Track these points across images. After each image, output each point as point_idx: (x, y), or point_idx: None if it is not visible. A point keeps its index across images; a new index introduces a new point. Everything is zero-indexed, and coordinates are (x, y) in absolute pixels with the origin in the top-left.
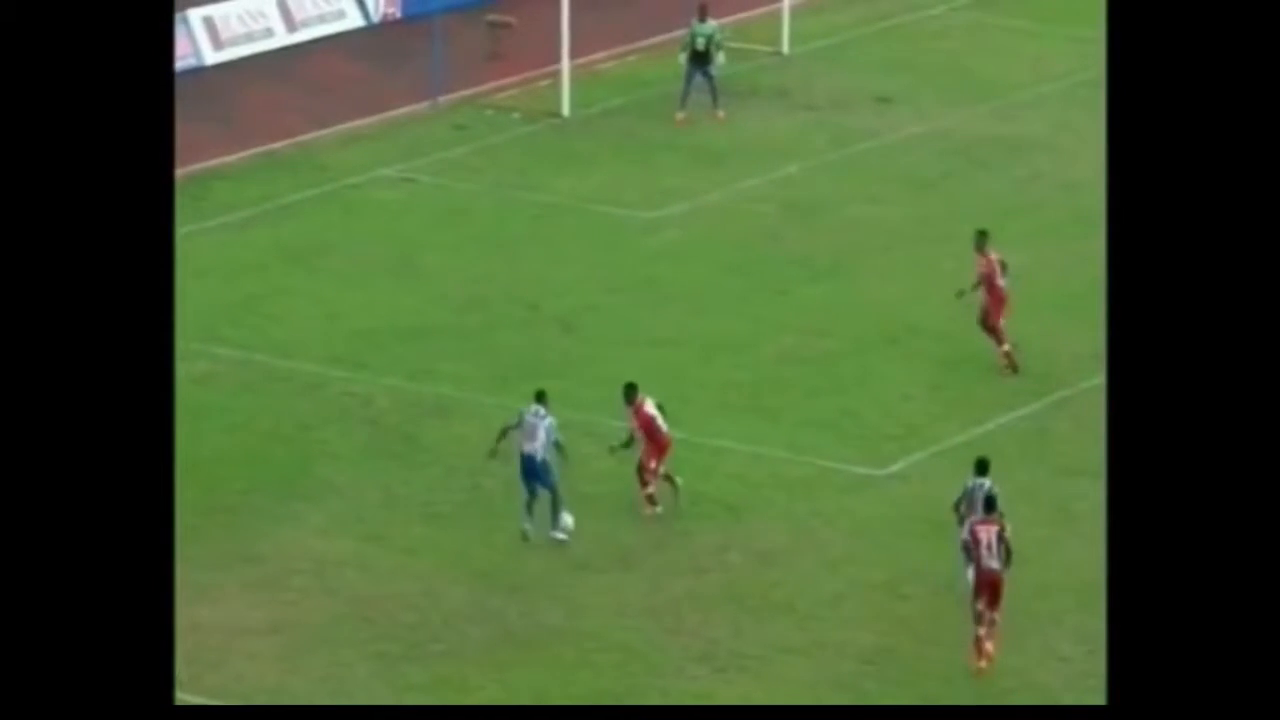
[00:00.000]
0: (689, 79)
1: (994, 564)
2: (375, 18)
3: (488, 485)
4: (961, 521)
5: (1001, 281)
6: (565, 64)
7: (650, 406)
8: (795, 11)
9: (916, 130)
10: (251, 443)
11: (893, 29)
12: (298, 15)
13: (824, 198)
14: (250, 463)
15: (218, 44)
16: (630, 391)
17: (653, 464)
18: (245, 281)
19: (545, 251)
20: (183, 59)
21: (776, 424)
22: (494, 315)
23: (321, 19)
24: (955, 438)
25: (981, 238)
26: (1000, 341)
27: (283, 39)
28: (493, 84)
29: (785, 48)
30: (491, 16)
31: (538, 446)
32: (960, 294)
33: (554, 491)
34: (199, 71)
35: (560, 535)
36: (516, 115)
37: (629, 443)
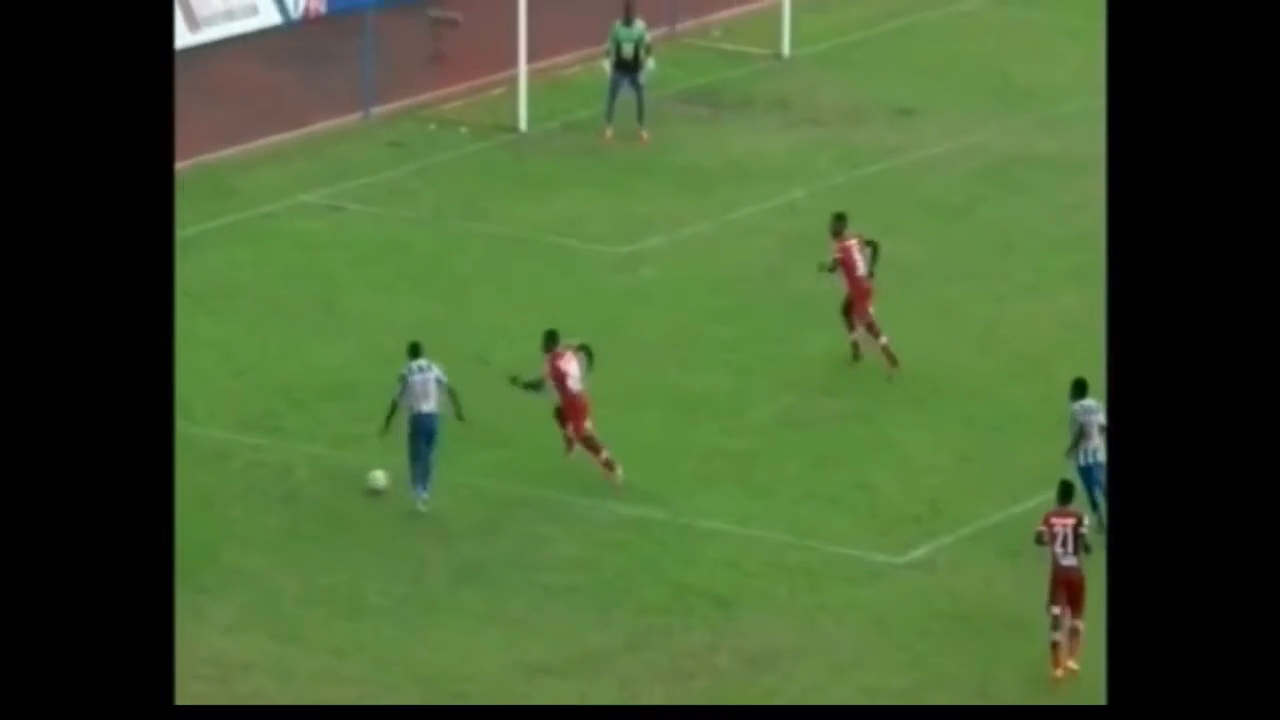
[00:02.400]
0: (614, 90)
1: (1070, 561)
2: (295, 14)
3: (430, 574)
4: (1079, 451)
5: (862, 271)
6: (522, 68)
7: (569, 363)
8: (797, 6)
9: (942, 148)
10: None
11: (913, 28)
12: (200, 11)
13: None
14: None
15: None
16: (549, 340)
17: (571, 427)
18: None
19: (497, 293)
20: None
21: (774, 500)
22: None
23: (229, 15)
24: (989, 518)
25: (839, 222)
26: (851, 329)
27: (183, 39)
28: (436, 92)
29: (785, 50)
30: (434, 12)
31: (435, 405)
32: (821, 267)
33: (430, 461)
34: None
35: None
36: (464, 130)
37: (537, 385)
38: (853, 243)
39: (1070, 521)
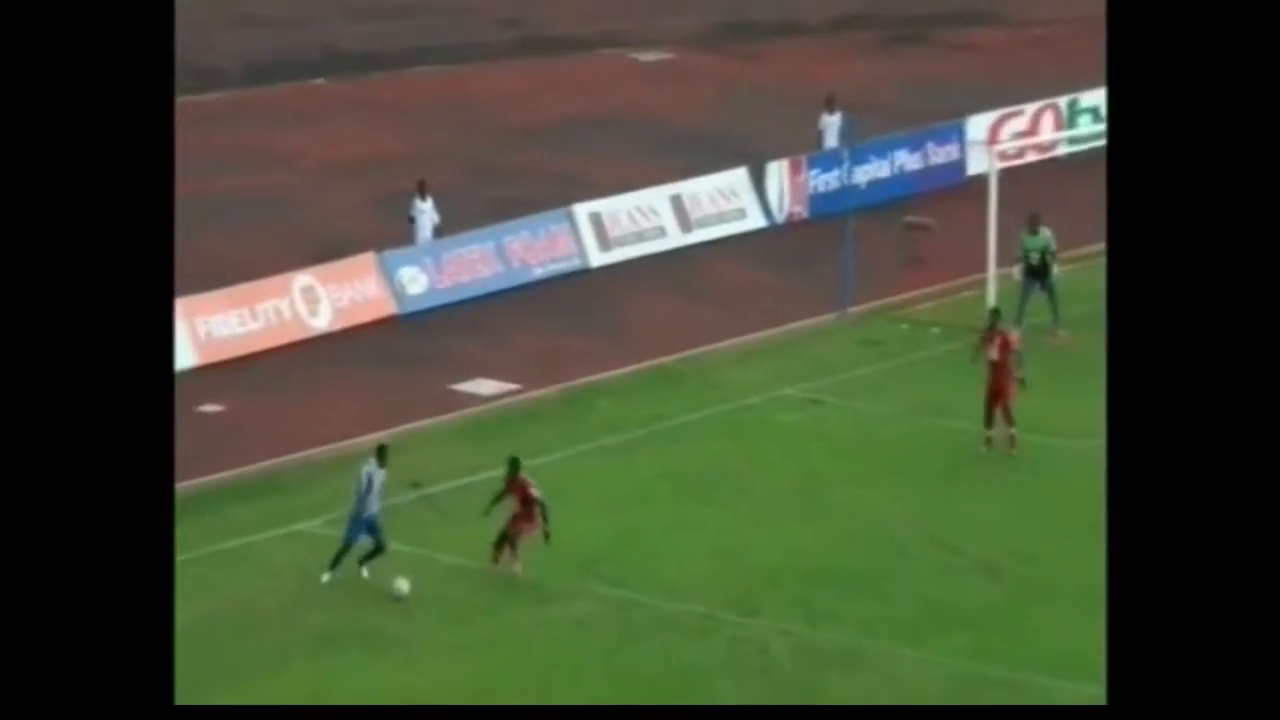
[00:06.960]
0: (1024, 295)
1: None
2: (779, 218)
3: None
4: None
5: None
6: (992, 270)
7: (533, 489)
8: None
9: None
10: (634, 694)
11: None
12: (693, 213)
13: None
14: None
15: (605, 244)
16: (513, 466)
17: (521, 534)
18: (629, 513)
19: (968, 486)
20: (566, 260)
21: None
22: (908, 557)
23: (720, 218)
24: None
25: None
26: None
27: (676, 240)
28: (909, 293)
29: None
30: (909, 217)
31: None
32: None
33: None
34: (584, 274)
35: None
36: (936, 330)
37: (497, 500)
38: None
39: None
